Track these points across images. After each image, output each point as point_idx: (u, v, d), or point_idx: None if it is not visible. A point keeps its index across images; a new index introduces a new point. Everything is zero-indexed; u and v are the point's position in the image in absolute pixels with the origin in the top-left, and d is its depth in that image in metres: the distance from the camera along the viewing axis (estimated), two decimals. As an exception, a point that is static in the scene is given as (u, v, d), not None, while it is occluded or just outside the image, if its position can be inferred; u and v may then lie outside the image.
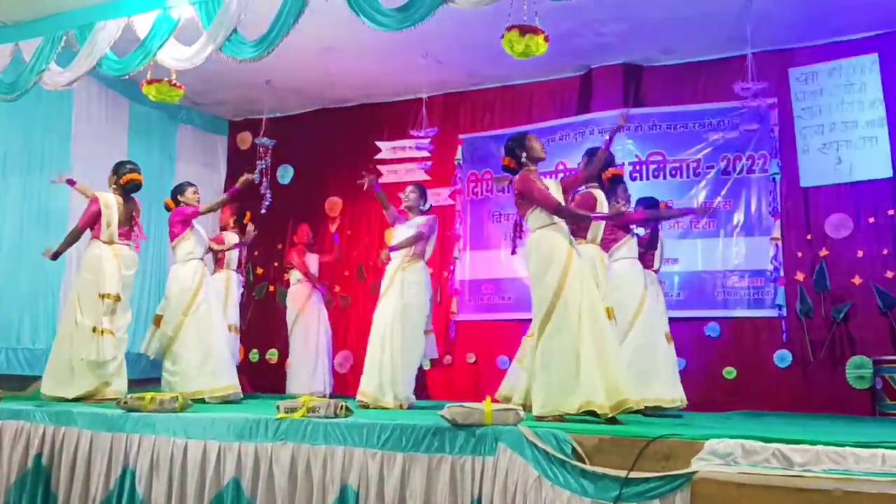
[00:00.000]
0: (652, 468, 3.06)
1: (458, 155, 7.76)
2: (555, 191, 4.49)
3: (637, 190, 6.29)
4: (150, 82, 5.59)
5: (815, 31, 6.34)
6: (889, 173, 6.16)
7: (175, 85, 5.60)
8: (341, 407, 3.88)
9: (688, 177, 6.85)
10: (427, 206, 6.13)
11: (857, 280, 6.16)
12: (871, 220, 6.21)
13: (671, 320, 5.76)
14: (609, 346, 4.24)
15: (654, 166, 6.95)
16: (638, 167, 6.98)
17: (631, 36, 6.54)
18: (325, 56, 6.94)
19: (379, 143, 7.52)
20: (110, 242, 5.57)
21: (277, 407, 4.05)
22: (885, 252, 6.12)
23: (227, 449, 3.94)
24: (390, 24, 4.76)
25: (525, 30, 4.49)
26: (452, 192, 7.72)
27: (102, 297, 5.39)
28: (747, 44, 5.78)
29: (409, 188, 6.12)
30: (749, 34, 5.73)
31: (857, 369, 6.00)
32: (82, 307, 5.42)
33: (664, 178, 6.85)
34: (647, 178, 6.93)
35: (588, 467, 3.08)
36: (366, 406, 5.46)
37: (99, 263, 5.47)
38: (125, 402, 4.49)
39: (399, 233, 5.94)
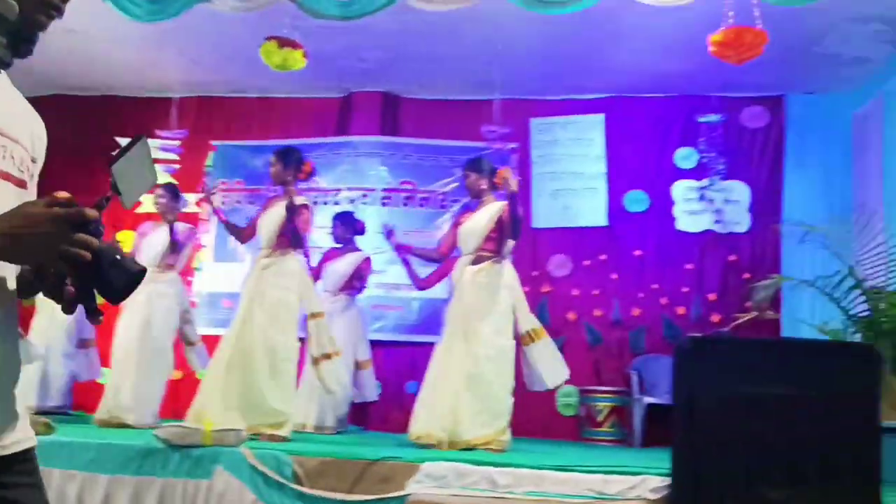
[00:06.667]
0: (371, 490, 3.10)
1: (209, 161, 7.43)
2: None
3: (390, 216, 6.43)
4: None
5: (552, 86, 6.93)
6: (605, 222, 6.91)
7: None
8: (40, 423, 3.48)
9: (435, 208, 7.15)
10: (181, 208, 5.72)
11: (571, 316, 6.79)
12: (587, 262, 6.89)
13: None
14: (453, 379, 4.36)
15: (406, 195, 7.17)
16: (389, 194, 7.15)
17: (391, 66, 6.71)
18: (67, 38, 6.31)
19: (119, 139, 6.95)
20: None
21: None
22: (596, 293, 6.81)
23: None
24: (140, 15, 4.48)
25: (284, 42, 4.46)
26: (199, 200, 7.36)
27: None
28: (496, 89, 6.18)
29: (159, 191, 5.48)
30: (497, 81, 6.13)
31: (566, 398, 6.59)
32: None
33: (414, 206, 7.09)
34: (399, 206, 7.12)
35: (306, 490, 3.06)
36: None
37: None
38: None
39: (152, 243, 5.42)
